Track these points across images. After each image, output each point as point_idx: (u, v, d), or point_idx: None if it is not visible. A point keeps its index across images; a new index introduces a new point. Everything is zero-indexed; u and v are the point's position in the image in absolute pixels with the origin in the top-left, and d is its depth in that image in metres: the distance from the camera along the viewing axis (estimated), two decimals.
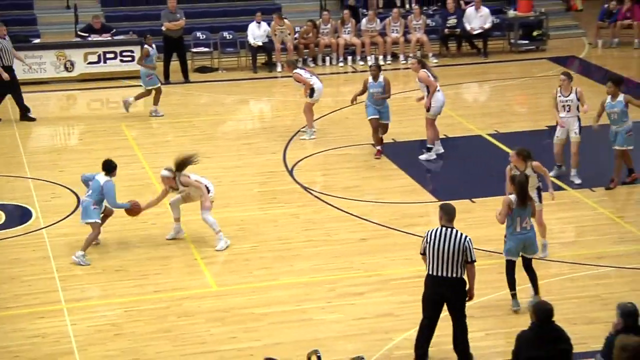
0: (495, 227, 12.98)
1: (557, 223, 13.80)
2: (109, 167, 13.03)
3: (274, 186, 15.71)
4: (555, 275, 12.37)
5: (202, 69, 22.67)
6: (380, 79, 16.19)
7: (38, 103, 20.18)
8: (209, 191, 13.35)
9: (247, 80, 21.90)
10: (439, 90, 16.25)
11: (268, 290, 12.21)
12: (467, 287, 10.16)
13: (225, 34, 23.05)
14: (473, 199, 14.41)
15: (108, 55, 21.95)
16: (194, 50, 22.84)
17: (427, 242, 10.02)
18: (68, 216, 14.50)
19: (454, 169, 16.30)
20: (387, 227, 14.00)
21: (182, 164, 13.19)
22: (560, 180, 15.27)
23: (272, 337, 11.06)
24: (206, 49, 23.02)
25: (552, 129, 17.30)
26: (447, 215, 10.16)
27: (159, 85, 19.29)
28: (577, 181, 15.14)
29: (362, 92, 16.51)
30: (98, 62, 21.92)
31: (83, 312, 11.75)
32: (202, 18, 23.92)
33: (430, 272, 10.08)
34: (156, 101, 19.25)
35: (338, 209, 14.66)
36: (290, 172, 16.23)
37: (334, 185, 15.62)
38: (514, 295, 11.36)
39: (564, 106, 15.06)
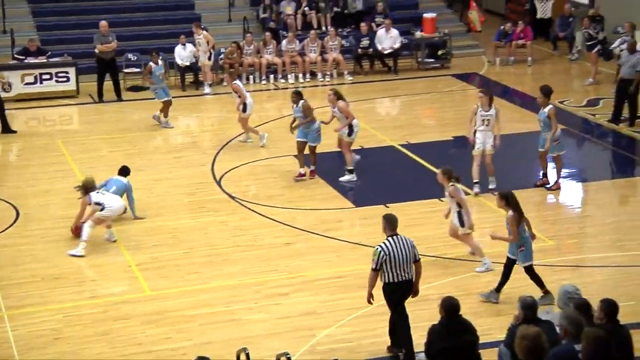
0: (407, 230, 13.09)
1: None
2: (128, 171, 14.47)
3: (203, 196, 15.59)
4: (463, 272, 12.51)
5: (134, 88, 22.40)
6: (300, 103, 15.90)
7: None
8: (102, 208, 13.21)
9: (176, 98, 21.63)
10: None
11: (199, 293, 12.10)
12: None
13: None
14: (387, 205, 14.48)
15: (44, 77, 21.55)
16: (126, 70, 22.57)
17: (386, 255, 9.90)
18: (7, 228, 14.18)
19: (369, 177, 16.36)
20: (309, 232, 14.00)
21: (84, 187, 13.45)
22: (464, 186, 15.43)
23: (203, 336, 10.97)
24: (137, 70, 22.75)
25: (457, 139, 17.58)
26: (391, 224, 10.17)
27: (166, 99, 19.14)
28: (491, 186, 15.25)
29: (295, 119, 16.17)
30: (34, 82, 21.51)
31: (23, 319, 11.49)
32: (133, 40, 23.65)
33: (392, 280, 9.97)
34: (165, 114, 19.14)
35: (263, 216, 14.61)
36: (219, 183, 16.13)
37: (260, 194, 15.56)
38: (548, 292, 11.30)
39: (483, 120, 15.14)
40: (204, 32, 22.24)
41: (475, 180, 15.25)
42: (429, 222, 13.98)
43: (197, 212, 14.85)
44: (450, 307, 8.76)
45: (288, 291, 12.10)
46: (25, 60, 21.69)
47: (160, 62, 19.37)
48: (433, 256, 12.84)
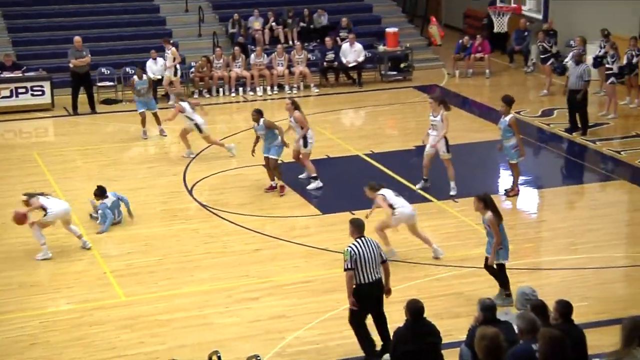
0: (372, 236, 13.14)
1: (425, 230, 14.01)
2: (104, 191, 14.46)
3: (175, 205, 15.54)
4: (425, 276, 12.58)
5: (107, 101, 22.31)
6: (261, 122, 15.58)
7: None
8: (46, 212, 13.13)
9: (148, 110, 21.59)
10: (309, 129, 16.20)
11: (172, 299, 12.06)
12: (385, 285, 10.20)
13: (128, 69, 22.71)
14: (353, 212, 14.52)
15: (20, 90, 21.43)
16: (100, 84, 22.48)
17: (357, 255, 9.93)
18: None
19: (336, 185, 16.39)
20: (278, 238, 14.00)
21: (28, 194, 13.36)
22: (426, 192, 15.57)
23: (176, 340, 10.93)
24: (110, 83, 22.68)
25: (419, 148, 17.66)
26: (358, 228, 10.26)
27: (141, 110, 19.00)
28: (452, 192, 15.37)
29: (257, 140, 15.90)
30: (10, 96, 21.36)
31: (1, 325, 11.38)
32: (106, 55, 23.57)
33: (363, 281, 9.98)
34: (144, 123, 19.06)
35: (234, 223, 14.60)
36: (190, 192, 16.09)
37: (230, 203, 15.54)
38: (509, 295, 11.33)
39: (432, 125, 15.33)
40: (173, 48, 22.18)
41: (424, 177, 15.49)
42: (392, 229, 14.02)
43: (170, 220, 14.80)
44: (415, 309, 8.81)
45: (258, 295, 12.09)
46: (1, 75, 21.54)
47: (144, 77, 19.33)
48: (396, 260, 12.88)
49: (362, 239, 10.15)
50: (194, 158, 17.83)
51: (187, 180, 16.63)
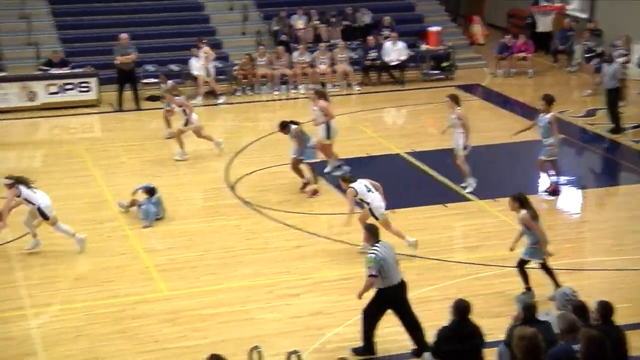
0: (417, 233, 13.10)
1: (465, 229, 13.98)
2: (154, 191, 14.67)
3: (217, 201, 15.65)
4: (465, 275, 12.52)
5: (152, 98, 22.49)
6: (292, 129, 15.47)
7: (4, 130, 19.92)
8: (41, 212, 13.13)
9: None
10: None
11: (214, 294, 12.15)
12: None
13: (172, 66, 22.93)
14: (394, 210, 14.50)
15: (67, 87, 21.70)
16: (144, 81, 22.69)
17: (382, 260, 9.98)
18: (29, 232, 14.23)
19: None
20: (317, 235, 14.04)
21: (17, 178, 13.21)
22: (467, 192, 15.50)
23: (218, 335, 11.01)
24: (155, 80, 22.87)
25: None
26: (375, 234, 10.37)
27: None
28: (468, 190, 15.31)
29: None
30: (58, 92, 21.66)
31: (47, 317, 11.58)
32: (151, 52, 23.77)
33: (390, 284, 10.04)
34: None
35: (275, 220, 14.65)
36: (232, 188, 16.18)
37: (271, 200, 15.60)
38: (530, 289, 11.48)
39: (451, 123, 15.35)
40: (206, 47, 22.25)
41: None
42: (432, 227, 14.01)
43: (212, 216, 14.90)
44: (461, 309, 8.79)
45: (299, 292, 12.14)
46: (49, 71, 21.85)
47: (169, 82, 19.61)
48: (435, 259, 12.85)
49: (380, 243, 10.22)
50: (236, 155, 17.91)
51: (229, 177, 16.71)
